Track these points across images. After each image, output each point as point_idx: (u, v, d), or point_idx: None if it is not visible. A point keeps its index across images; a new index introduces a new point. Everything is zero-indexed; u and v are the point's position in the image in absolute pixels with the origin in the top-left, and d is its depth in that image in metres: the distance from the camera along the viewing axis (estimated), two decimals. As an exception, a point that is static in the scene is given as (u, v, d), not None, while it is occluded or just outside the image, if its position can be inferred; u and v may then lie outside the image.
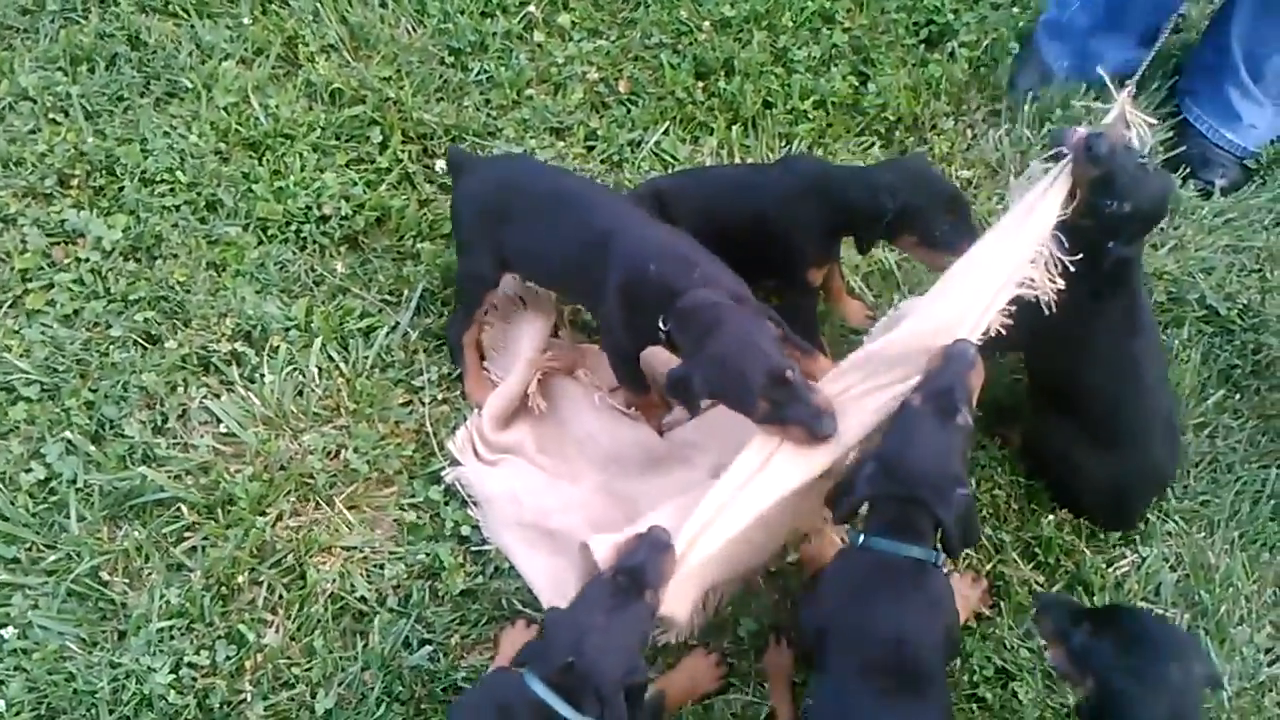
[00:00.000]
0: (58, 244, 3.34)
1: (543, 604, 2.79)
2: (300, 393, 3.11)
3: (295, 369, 3.14)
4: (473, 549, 2.93)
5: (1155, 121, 2.96)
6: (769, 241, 3.08)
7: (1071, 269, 2.69)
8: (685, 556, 2.45)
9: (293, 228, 3.40)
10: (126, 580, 2.83)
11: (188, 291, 3.24)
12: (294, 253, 3.37)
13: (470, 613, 2.83)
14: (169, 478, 2.93)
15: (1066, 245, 2.68)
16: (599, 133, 3.65)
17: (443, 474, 3.03)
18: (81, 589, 2.80)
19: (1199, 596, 2.95)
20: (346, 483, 2.99)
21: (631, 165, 3.58)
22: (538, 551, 2.88)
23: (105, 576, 2.82)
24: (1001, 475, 3.07)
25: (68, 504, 2.90)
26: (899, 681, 2.33)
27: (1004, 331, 2.72)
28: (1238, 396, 3.29)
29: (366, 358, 3.18)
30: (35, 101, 3.61)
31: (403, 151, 3.57)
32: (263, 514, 2.91)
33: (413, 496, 3.00)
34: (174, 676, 2.68)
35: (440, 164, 3.52)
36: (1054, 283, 2.68)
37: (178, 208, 3.41)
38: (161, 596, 2.78)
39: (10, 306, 3.21)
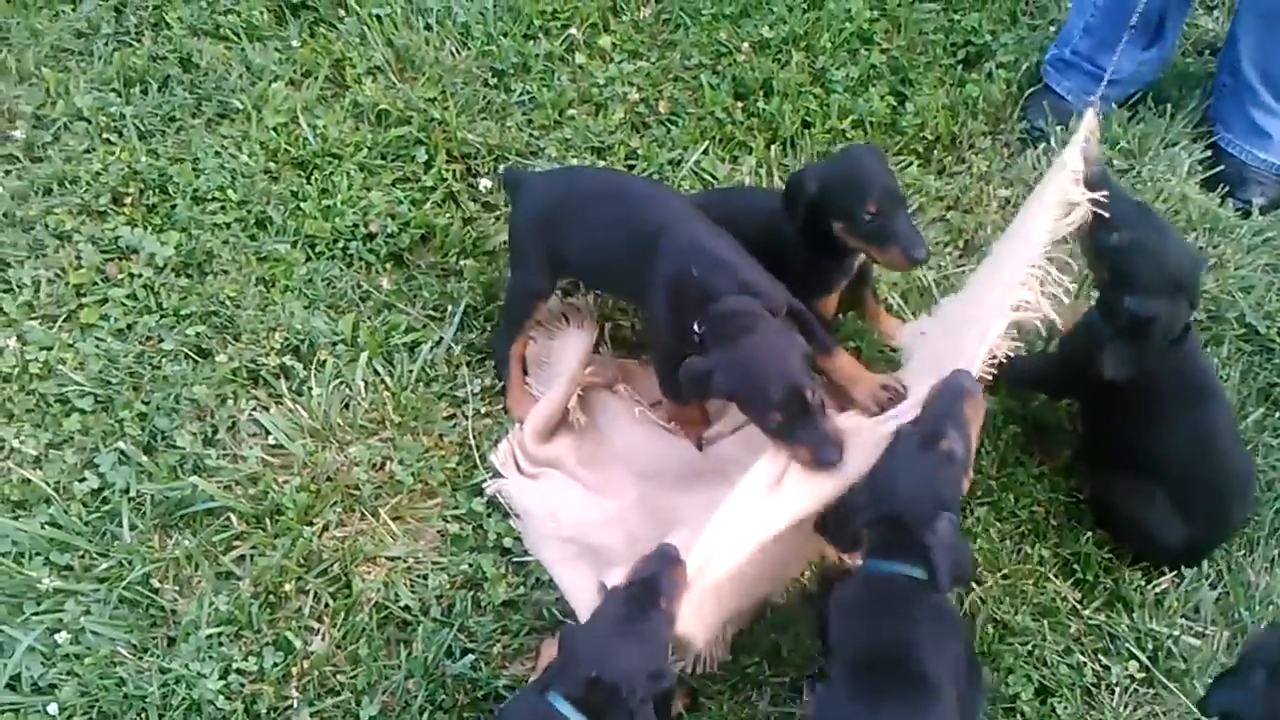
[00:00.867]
0: (112, 260, 3.41)
1: (580, 618, 2.81)
2: (347, 405, 3.16)
3: (342, 382, 3.20)
4: (514, 560, 2.96)
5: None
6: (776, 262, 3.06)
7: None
8: (697, 576, 2.47)
9: (340, 245, 3.47)
10: (177, 588, 2.88)
11: (238, 306, 3.31)
12: (341, 269, 3.43)
13: (512, 623, 2.86)
14: (219, 488, 2.98)
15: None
16: (639, 152, 3.70)
17: (484, 486, 3.07)
18: (133, 596, 2.85)
19: (1239, 614, 2.94)
20: (391, 494, 3.04)
21: (672, 184, 3.63)
22: (576, 566, 2.90)
23: (156, 584, 2.87)
24: (1040, 492, 3.08)
25: (120, 513, 2.96)
26: (894, 686, 2.31)
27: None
28: (1278, 414, 3.28)
29: (411, 372, 3.23)
30: (90, 122, 3.71)
31: (447, 170, 3.64)
32: (310, 524, 2.96)
33: (456, 508, 3.04)
34: (223, 682, 2.72)
35: (485, 182, 3.59)
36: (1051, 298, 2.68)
37: (228, 225, 3.49)
38: (211, 604, 2.82)
39: (66, 320, 3.29)
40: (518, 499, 3.03)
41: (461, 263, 3.46)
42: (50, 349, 3.20)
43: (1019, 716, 2.76)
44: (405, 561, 2.95)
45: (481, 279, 3.40)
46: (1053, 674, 2.82)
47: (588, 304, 3.37)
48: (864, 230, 2.84)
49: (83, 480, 3.00)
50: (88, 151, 3.64)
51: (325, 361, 3.22)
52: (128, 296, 3.33)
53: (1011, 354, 2.67)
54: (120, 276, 3.37)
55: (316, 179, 3.59)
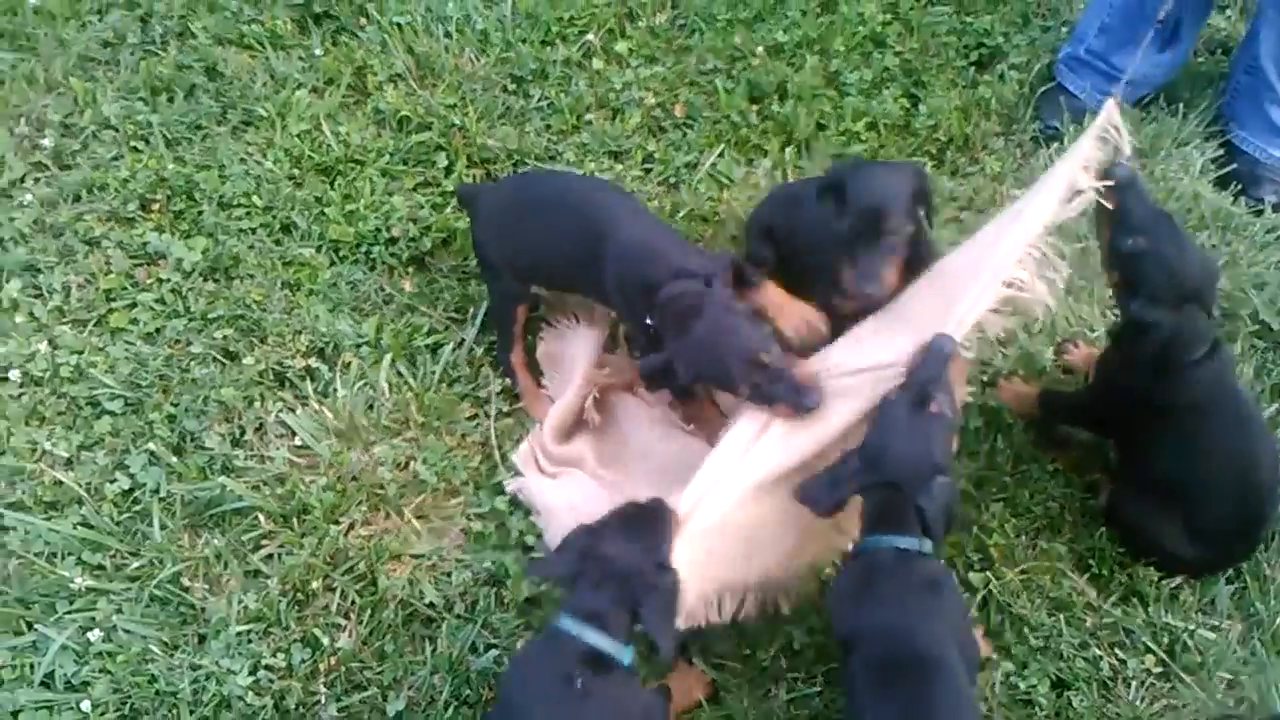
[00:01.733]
0: (140, 265, 3.48)
1: None
2: (371, 406, 3.22)
3: (366, 384, 3.25)
4: (537, 558, 3.00)
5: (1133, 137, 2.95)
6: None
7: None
8: (685, 520, 2.54)
9: (363, 249, 3.52)
10: (206, 586, 2.93)
11: (264, 310, 3.37)
12: (364, 273, 3.49)
13: (534, 618, 2.90)
14: (247, 488, 3.04)
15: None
16: (656, 155, 3.75)
17: (506, 485, 3.11)
18: (163, 594, 2.90)
19: (1255, 608, 2.96)
20: (415, 493, 3.08)
21: (688, 187, 3.68)
22: None
23: (186, 582, 2.92)
24: (1055, 488, 3.10)
25: (151, 513, 3.01)
26: (903, 677, 2.32)
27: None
28: (1286, 410, 3.31)
29: (434, 373, 3.28)
30: (117, 130, 3.77)
31: (467, 175, 3.70)
32: (336, 523, 3.01)
33: (479, 507, 3.09)
34: (252, 678, 2.77)
35: (504, 188, 3.64)
36: (1048, 283, 2.72)
37: (254, 230, 3.55)
38: (240, 602, 2.87)
39: (96, 325, 3.35)
40: (538, 497, 3.07)
41: (482, 266, 3.51)
42: (81, 353, 3.26)
43: (1036, 710, 2.79)
44: (429, 559, 3.00)
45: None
46: (1069, 668, 2.84)
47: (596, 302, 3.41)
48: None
49: (113, 481, 3.06)
50: (115, 159, 3.70)
51: (350, 363, 3.28)
52: (156, 301, 3.39)
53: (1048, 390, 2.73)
54: (149, 281, 3.43)
55: (340, 184, 3.65)
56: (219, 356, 3.30)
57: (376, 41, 4.02)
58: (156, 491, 3.05)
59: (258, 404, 3.21)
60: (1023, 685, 2.80)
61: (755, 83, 3.93)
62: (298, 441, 3.15)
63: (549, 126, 3.86)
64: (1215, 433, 2.85)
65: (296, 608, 2.90)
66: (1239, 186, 3.77)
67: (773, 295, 2.95)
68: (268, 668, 2.80)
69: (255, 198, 3.60)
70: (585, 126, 3.85)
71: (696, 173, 3.72)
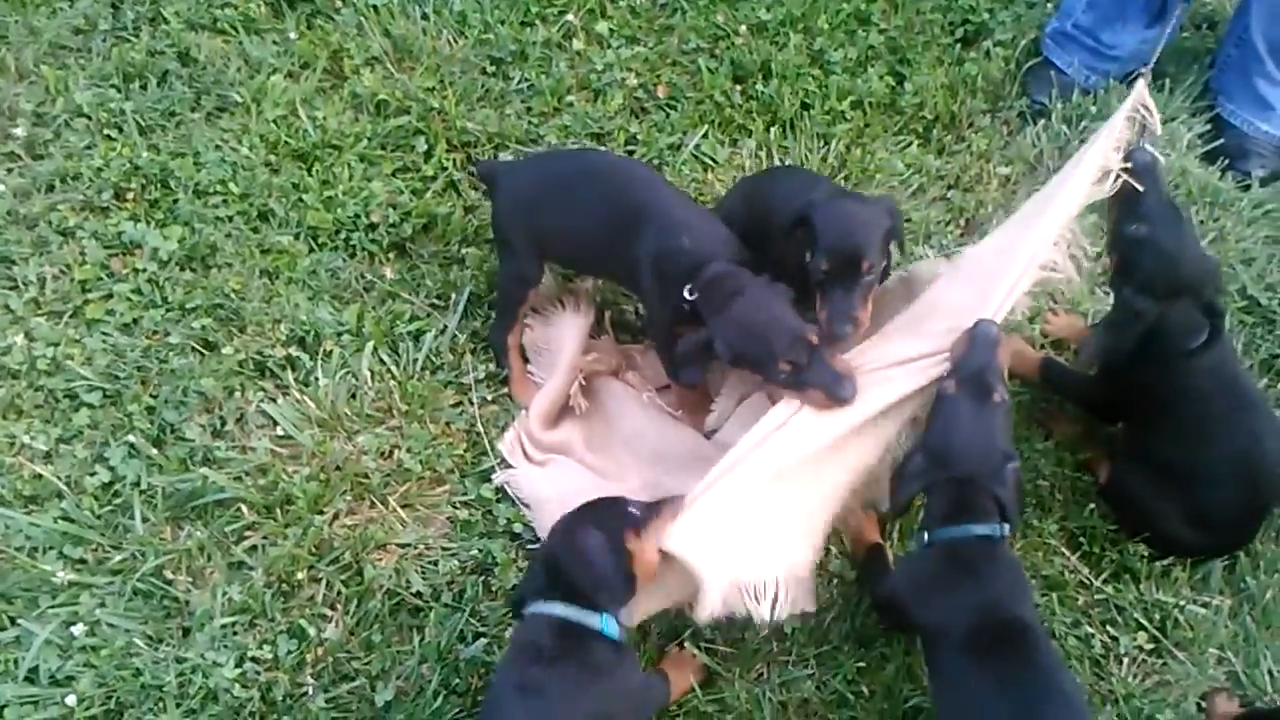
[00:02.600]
0: (116, 255, 3.42)
1: None
2: (353, 395, 3.18)
3: (348, 372, 3.21)
4: (524, 545, 2.98)
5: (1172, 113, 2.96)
6: None
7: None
8: (697, 498, 2.54)
9: (342, 236, 3.48)
10: (190, 579, 2.89)
11: (243, 299, 3.32)
12: (344, 260, 3.45)
13: (523, 606, 2.88)
14: (229, 479, 3.00)
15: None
16: (639, 137, 3.71)
17: (493, 477, 3.08)
18: (147, 588, 2.86)
19: (1245, 584, 2.96)
20: (400, 482, 3.05)
21: (672, 168, 3.64)
22: None
23: (169, 575, 2.89)
24: (1045, 466, 3.10)
25: (132, 506, 2.97)
26: (1009, 644, 2.37)
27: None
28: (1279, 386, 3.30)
29: (416, 360, 3.25)
30: (90, 118, 3.71)
31: (447, 160, 3.65)
32: (320, 513, 2.98)
33: (465, 494, 3.06)
34: (238, 671, 2.74)
35: (486, 170, 3.60)
36: (1076, 262, 2.74)
37: (231, 218, 3.50)
38: (224, 594, 2.84)
39: (72, 316, 3.30)
40: (527, 489, 3.05)
41: (464, 251, 3.47)
42: (57, 345, 3.21)
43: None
44: (416, 548, 2.97)
45: (484, 267, 3.42)
46: (1062, 645, 2.84)
47: (584, 288, 3.38)
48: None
49: (93, 474, 3.01)
50: (89, 148, 3.64)
51: (331, 352, 3.24)
52: (133, 291, 3.34)
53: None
54: (125, 271, 3.38)
55: (317, 170, 3.60)
56: (198, 347, 3.25)
57: (352, 24, 3.96)
58: (137, 484, 3.01)
59: (238, 394, 3.17)
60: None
61: (738, 62, 3.90)
62: (280, 431, 3.11)
63: (530, 109, 3.81)
64: (1216, 423, 2.84)
65: (282, 599, 2.87)
66: (1226, 161, 3.76)
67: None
68: (254, 659, 2.77)
69: (231, 185, 3.54)
70: (567, 108, 3.81)
71: (680, 154, 3.68)
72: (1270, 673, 2.85)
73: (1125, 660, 2.87)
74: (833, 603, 2.89)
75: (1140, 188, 2.75)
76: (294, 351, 3.23)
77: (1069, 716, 2.32)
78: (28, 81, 3.82)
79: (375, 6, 3.99)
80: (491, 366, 3.24)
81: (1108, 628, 2.90)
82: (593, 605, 2.39)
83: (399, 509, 3.02)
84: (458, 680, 2.78)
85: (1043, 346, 3.31)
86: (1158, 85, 3.89)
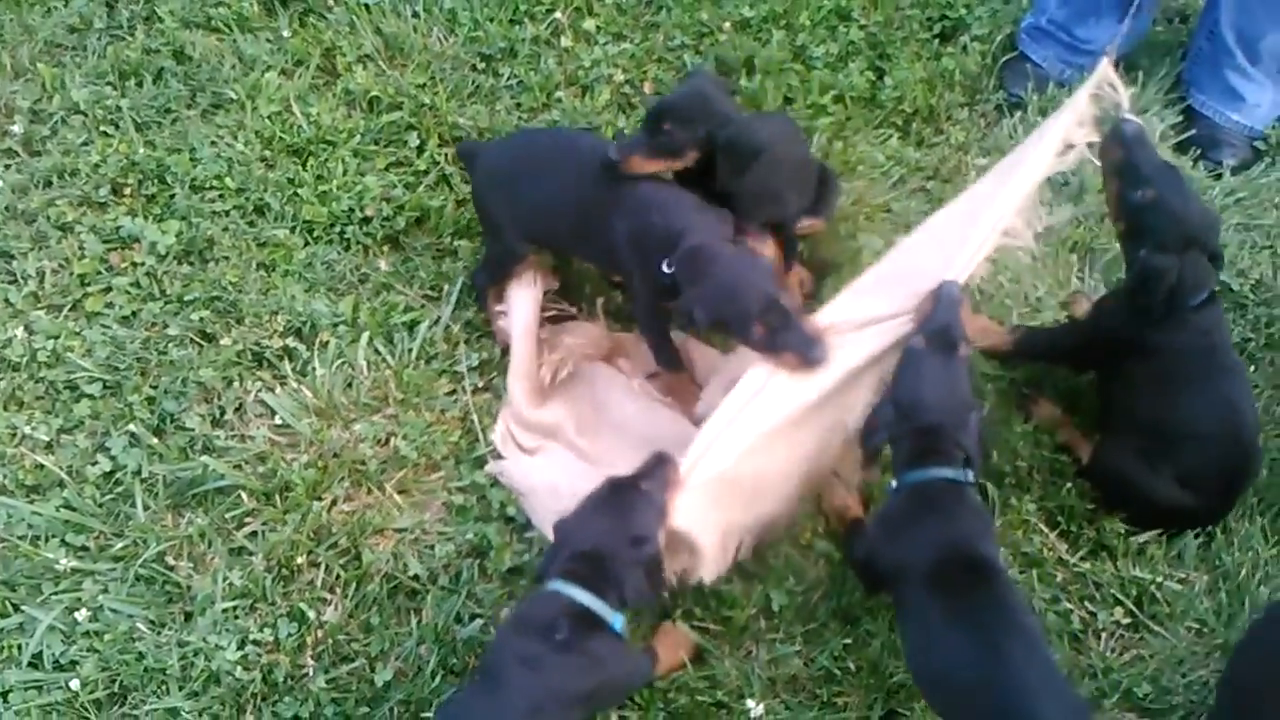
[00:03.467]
0: (114, 250, 3.48)
1: None
2: (350, 384, 3.24)
3: (344, 362, 3.27)
4: (518, 528, 3.04)
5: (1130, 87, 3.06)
6: None
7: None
8: (692, 472, 2.61)
9: (337, 229, 3.54)
10: (191, 564, 2.95)
11: (240, 291, 3.38)
12: (339, 253, 3.51)
13: (518, 588, 2.94)
14: (229, 467, 3.06)
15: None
16: (627, 131, 3.76)
17: (486, 466, 3.13)
18: (148, 573, 2.92)
19: (1220, 560, 3.04)
20: (396, 468, 3.11)
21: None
22: None
23: (171, 561, 2.95)
24: (1024, 447, 3.16)
25: (133, 494, 3.03)
26: (971, 578, 2.46)
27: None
28: (1252, 369, 3.37)
29: (411, 350, 3.30)
30: (87, 115, 3.77)
31: (439, 154, 3.71)
32: (318, 499, 3.03)
33: (460, 480, 3.12)
34: (240, 653, 2.80)
35: (477, 165, 3.66)
36: (1035, 235, 2.89)
37: (227, 212, 3.56)
38: (225, 579, 2.90)
39: (71, 310, 3.36)
40: (518, 478, 3.10)
41: (456, 243, 3.53)
42: (57, 337, 3.27)
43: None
44: (412, 533, 3.03)
45: (476, 258, 3.47)
46: (1041, 621, 2.90)
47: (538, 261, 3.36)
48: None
49: (95, 463, 3.07)
50: (86, 144, 3.70)
51: (327, 342, 3.30)
52: (131, 284, 3.40)
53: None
54: (123, 265, 3.44)
55: (312, 165, 3.66)
56: (196, 338, 3.31)
57: (344, 22, 4.02)
58: (138, 473, 3.06)
59: (236, 384, 3.23)
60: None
61: (722, 58, 3.96)
62: (278, 420, 3.17)
63: (519, 104, 3.87)
64: (1204, 378, 2.94)
65: (282, 583, 2.92)
66: (1198, 151, 3.85)
67: (770, 250, 3.05)
68: (255, 642, 2.83)
69: (227, 180, 3.60)
70: (555, 104, 3.87)
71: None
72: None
73: (1103, 635, 2.94)
74: (819, 581, 2.96)
75: (1129, 156, 2.88)
76: (291, 342, 3.29)
77: (1030, 649, 2.39)
78: (24, 79, 3.87)
79: (367, 5, 4.06)
80: (484, 354, 3.30)
81: (1085, 603, 2.97)
82: (618, 604, 2.45)
83: (395, 495, 3.08)
84: (455, 660, 2.83)
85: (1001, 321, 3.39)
86: (1131, 78, 3.98)
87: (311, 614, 2.87)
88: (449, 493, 3.11)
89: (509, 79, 3.93)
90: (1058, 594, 2.96)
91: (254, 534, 3.00)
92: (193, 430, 3.13)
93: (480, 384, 3.28)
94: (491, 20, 4.04)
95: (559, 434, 3.19)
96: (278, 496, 3.04)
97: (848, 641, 2.86)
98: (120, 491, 3.05)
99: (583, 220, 3.04)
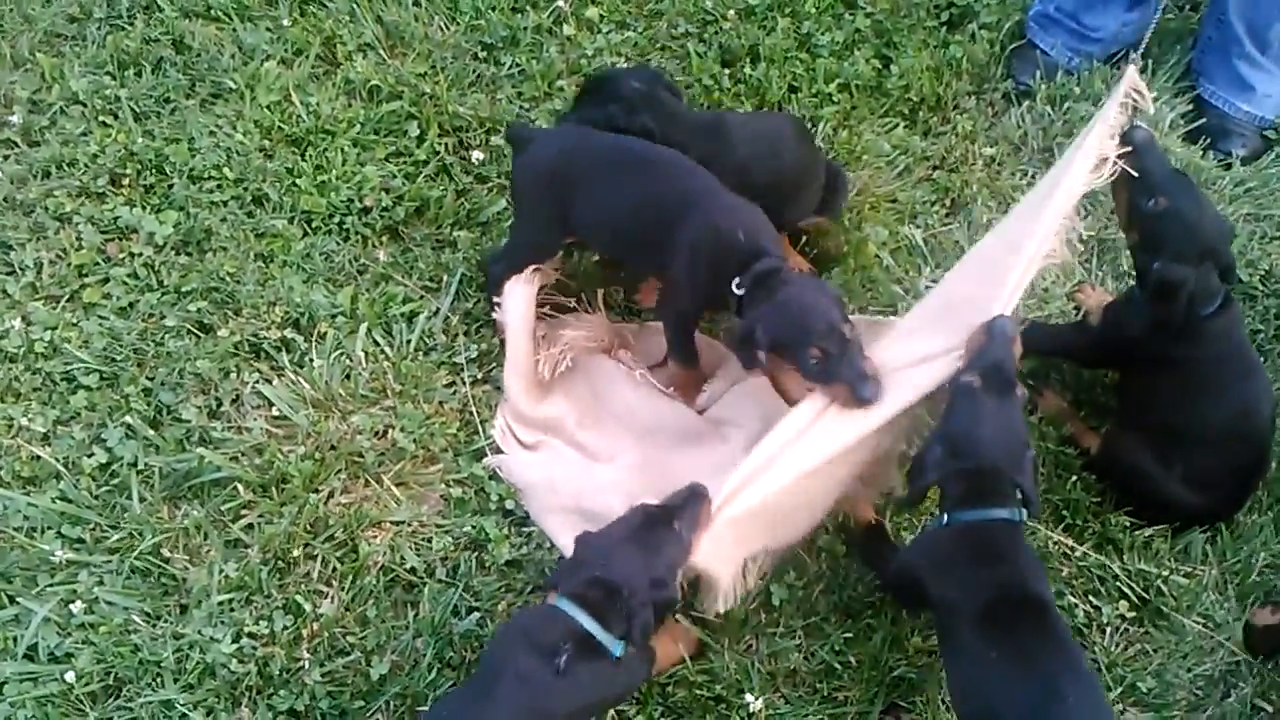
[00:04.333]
0: (112, 240, 3.45)
1: None
2: (348, 376, 3.22)
3: (342, 353, 3.25)
4: (516, 521, 3.02)
5: (1155, 94, 3.00)
6: None
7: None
8: (723, 509, 2.55)
9: (336, 219, 3.51)
10: (187, 557, 2.93)
11: (238, 282, 3.36)
12: (338, 243, 3.48)
13: (516, 581, 2.93)
14: (225, 458, 3.04)
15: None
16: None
17: (484, 461, 3.11)
18: (144, 566, 2.90)
19: (1228, 554, 3.01)
20: (394, 460, 3.09)
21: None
22: (582, 527, 2.94)
23: (166, 554, 2.92)
24: (1030, 440, 3.13)
25: (129, 486, 3.01)
26: (1027, 618, 2.41)
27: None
28: (1262, 360, 3.34)
29: (410, 341, 3.28)
30: (85, 105, 3.74)
31: (439, 144, 3.68)
32: (315, 491, 3.01)
33: (458, 473, 3.10)
34: (235, 646, 2.78)
35: (477, 154, 3.64)
36: (1071, 246, 2.80)
37: (226, 203, 3.53)
38: (221, 571, 2.88)
39: (69, 301, 3.33)
40: (517, 473, 3.08)
41: (455, 234, 3.50)
42: (55, 328, 3.24)
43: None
44: (410, 525, 3.01)
45: (475, 249, 3.46)
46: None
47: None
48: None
49: (91, 455, 3.05)
50: (84, 134, 3.67)
51: (325, 334, 3.27)
52: (129, 275, 3.37)
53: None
54: (121, 256, 3.41)
55: (311, 155, 3.63)
56: (194, 329, 3.29)
57: (345, 11, 3.99)
58: (134, 464, 3.04)
59: (234, 375, 3.20)
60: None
61: (727, 46, 3.93)
62: (275, 412, 3.15)
63: (521, 94, 3.84)
64: (1220, 384, 2.91)
65: (278, 576, 2.90)
66: (1208, 141, 3.81)
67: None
68: (251, 635, 2.81)
69: (226, 170, 3.57)
70: (558, 93, 3.83)
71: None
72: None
73: (1108, 629, 2.92)
74: (820, 575, 2.94)
75: (1140, 164, 2.82)
76: (289, 334, 3.26)
77: (1086, 688, 2.36)
78: (23, 69, 3.85)
79: (367, -7, 4.03)
80: (484, 346, 3.27)
81: (1090, 598, 2.95)
82: (622, 636, 2.40)
83: (393, 487, 3.06)
84: (451, 654, 2.82)
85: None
86: (1141, 66, 3.91)
87: (308, 607, 2.85)
88: (447, 485, 3.08)
89: (510, 68, 3.90)
90: (1062, 588, 2.95)
91: (250, 526, 2.98)
92: (189, 422, 3.11)
93: (479, 376, 3.26)
94: (493, 9, 4.01)
95: (560, 429, 3.17)
96: (274, 488, 3.01)
97: (848, 635, 2.85)
98: (116, 483, 3.03)
99: (645, 225, 2.97)
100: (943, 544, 2.56)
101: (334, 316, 3.31)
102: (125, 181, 3.56)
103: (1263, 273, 3.49)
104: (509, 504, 3.04)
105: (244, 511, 3.00)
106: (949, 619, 2.50)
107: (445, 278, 3.41)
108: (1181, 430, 2.94)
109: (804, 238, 3.45)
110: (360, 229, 3.50)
